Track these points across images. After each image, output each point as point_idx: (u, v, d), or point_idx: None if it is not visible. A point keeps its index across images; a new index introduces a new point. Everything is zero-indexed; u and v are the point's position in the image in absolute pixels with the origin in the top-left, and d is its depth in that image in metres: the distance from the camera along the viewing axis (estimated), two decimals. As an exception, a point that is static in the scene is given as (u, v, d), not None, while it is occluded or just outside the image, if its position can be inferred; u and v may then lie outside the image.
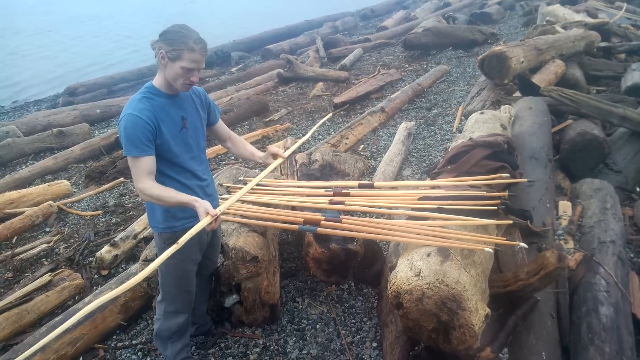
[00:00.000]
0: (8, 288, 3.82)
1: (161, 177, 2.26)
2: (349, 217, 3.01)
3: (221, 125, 2.66)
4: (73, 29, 20.58)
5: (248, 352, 2.92)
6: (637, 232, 3.64)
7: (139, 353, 3.04)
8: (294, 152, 3.29)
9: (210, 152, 5.90)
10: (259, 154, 2.79)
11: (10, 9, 28.56)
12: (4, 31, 20.88)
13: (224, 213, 3.13)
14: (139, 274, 1.99)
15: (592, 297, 2.72)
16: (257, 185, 3.66)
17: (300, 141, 3.21)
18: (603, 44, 7.40)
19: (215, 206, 2.31)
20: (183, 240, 2.07)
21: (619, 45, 7.53)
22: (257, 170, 4.48)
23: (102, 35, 19.06)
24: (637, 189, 4.18)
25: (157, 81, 2.23)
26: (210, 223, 2.17)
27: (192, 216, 2.26)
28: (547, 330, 2.57)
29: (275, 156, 2.84)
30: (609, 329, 2.51)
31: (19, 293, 3.48)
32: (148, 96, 2.20)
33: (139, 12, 24.73)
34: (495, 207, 2.68)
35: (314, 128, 3.51)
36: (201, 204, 2.17)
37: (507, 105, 4.88)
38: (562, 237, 3.41)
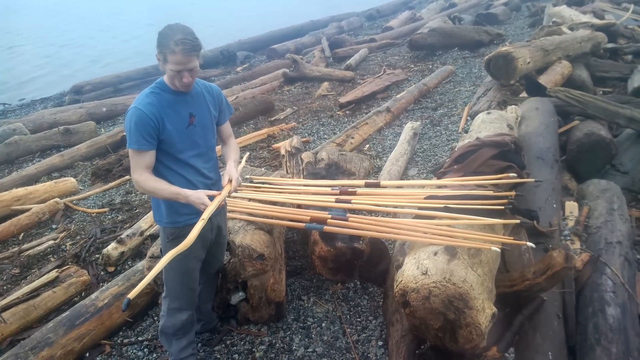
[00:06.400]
0: (15, 284, 3.84)
1: (165, 170, 2.28)
2: (355, 215, 3.02)
3: (226, 127, 2.64)
4: (83, 28, 20.68)
5: (254, 349, 2.92)
6: (643, 234, 3.63)
7: (145, 349, 3.05)
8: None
9: (218, 150, 5.89)
10: (227, 167, 2.51)
11: (15, 8, 28.71)
12: (11, 30, 21.00)
13: (230, 210, 3.16)
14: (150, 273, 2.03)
15: (599, 297, 2.72)
16: (262, 183, 3.69)
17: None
18: (610, 46, 7.37)
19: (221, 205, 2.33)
20: (192, 237, 2.12)
21: (625, 47, 7.49)
22: (263, 169, 4.50)
23: (110, 33, 19.14)
24: (644, 190, 4.16)
25: (166, 77, 2.26)
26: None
27: (195, 212, 2.27)
28: (553, 330, 2.56)
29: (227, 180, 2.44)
30: (616, 329, 2.50)
31: (26, 289, 3.50)
32: (156, 91, 2.24)
33: (146, 12, 24.83)
34: (502, 207, 2.69)
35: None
36: (194, 195, 2.18)
37: (513, 106, 4.87)
38: (569, 238, 3.40)
